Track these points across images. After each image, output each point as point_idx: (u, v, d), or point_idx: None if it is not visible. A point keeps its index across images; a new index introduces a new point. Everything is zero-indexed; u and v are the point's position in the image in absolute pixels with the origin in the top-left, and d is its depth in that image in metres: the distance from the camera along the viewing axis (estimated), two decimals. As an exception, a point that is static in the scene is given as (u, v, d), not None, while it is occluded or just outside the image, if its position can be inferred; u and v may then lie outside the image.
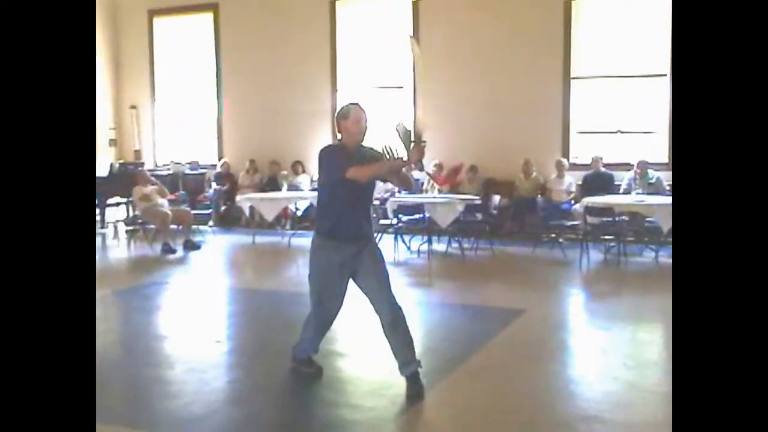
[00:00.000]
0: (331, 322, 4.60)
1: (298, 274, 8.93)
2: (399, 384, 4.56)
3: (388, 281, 4.45)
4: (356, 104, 4.38)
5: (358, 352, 5.33)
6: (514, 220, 10.41)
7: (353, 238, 4.32)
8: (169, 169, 12.57)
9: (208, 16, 12.72)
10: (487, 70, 10.96)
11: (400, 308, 4.39)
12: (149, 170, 11.71)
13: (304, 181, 11.80)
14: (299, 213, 11.06)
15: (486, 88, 10.94)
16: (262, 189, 11.80)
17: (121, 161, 12.83)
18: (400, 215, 9.22)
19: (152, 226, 10.04)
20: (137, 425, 3.94)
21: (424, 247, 9.28)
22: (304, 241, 10.41)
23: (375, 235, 4.86)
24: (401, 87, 11.45)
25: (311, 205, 10.75)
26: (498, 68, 10.87)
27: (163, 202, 10.02)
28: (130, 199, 10.63)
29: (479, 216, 9.55)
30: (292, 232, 10.79)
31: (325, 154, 4.44)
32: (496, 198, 10.06)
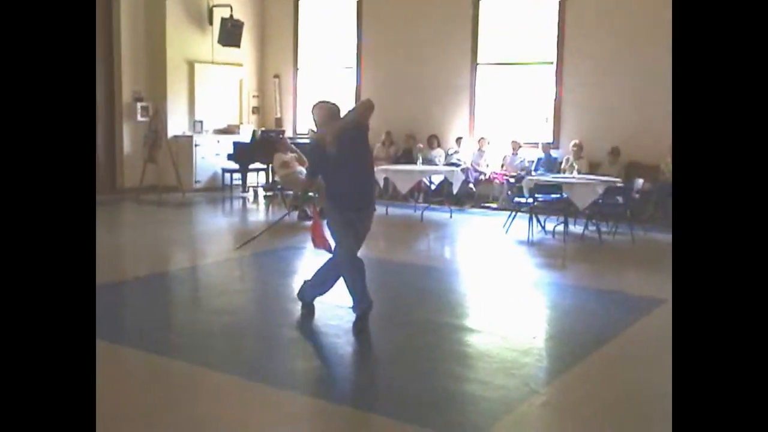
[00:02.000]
0: None
1: (430, 247, 8.95)
2: (531, 364, 4.48)
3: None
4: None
5: (486, 327, 5.27)
6: (657, 205, 9.94)
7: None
8: (308, 138, 12.87)
9: (352, -13, 12.85)
10: (632, 49, 10.45)
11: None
12: (289, 138, 12.05)
13: (438, 155, 11.77)
14: (433, 187, 11.04)
15: (630, 68, 10.43)
16: (397, 161, 11.87)
17: (263, 128, 13.27)
18: (536, 194, 9.01)
19: (290, 193, 10.33)
20: (272, 383, 4.07)
21: (560, 228, 9.03)
22: (437, 215, 10.44)
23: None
24: (550, 62, 11.14)
25: (445, 179, 10.72)
26: (644, 49, 10.33)
27: (302, 170, 10.27)
28: (270, 165, 10.98)
29: (620, 199, 9.17)
30: (425, 205, 10.81)
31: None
32: (639, 181, 9.61)
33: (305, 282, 5.34)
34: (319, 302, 5.87)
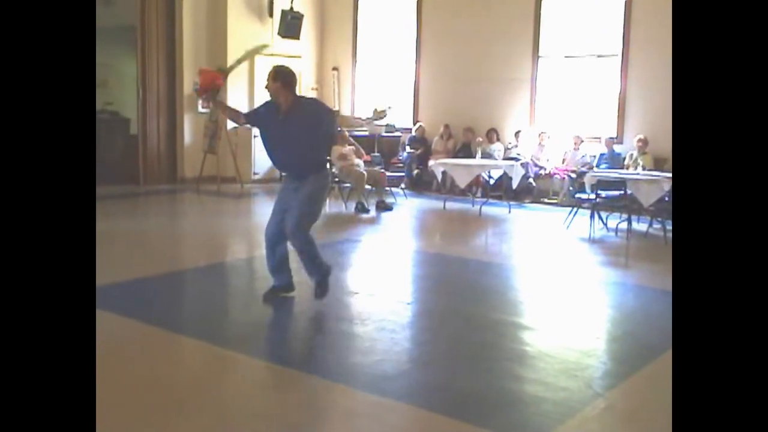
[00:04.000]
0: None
1: (488, 242, 8.82)
2: (594, 366, 4.35)
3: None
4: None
5: (546, 326, 5.13)
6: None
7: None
8: (365, 131, 12.84)
9: (412, -21, 12.75)
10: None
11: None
12: (347, 130, 12.03)
13: (498, 149, 11.59)
14: (492, 181, 10.89)
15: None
16: (456, 155, 11.74)
17: (321, 121, 13.27)
18: (598, 190, 8.78)
19: (347, 185, 10.32)
20: (328, 376, 4.03)
21: (623, 225, 8.79)
22: (495, 210, 10.29)
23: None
24: (615, 55, 10.85)
25: (504, 174, 10.55)
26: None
27: (360, 163, 10.25)
28: (328, 157, 10.98)
29: (686, 197, 8.86)
30: (483, 200, 10.66)
31: None
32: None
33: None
34: (376, 296, 5.82)
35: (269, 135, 5.18)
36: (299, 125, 4.98)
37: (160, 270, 6.44)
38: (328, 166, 5.28)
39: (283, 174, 5.43)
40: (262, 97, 10.16)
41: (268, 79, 5.07)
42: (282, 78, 5.01)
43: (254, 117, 5.38)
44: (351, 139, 10.66)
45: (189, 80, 12.11)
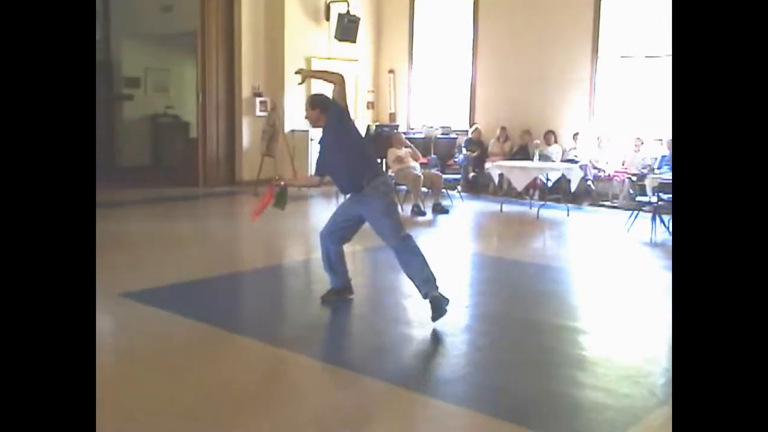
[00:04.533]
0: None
1: (546, 246, 8.70)
2: (657, 373, 4.24)
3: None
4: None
5: (607, 331, 5.03)
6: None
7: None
8: (421, 133, 12.83)
9: (469, -19, 12.68)
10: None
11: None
12: (403, 133, 12.03)
13: (556, 151, 11.44)
14: (549, 184, 10.74)
15: None
16: (512, 157, 11.63)
17: (377, 123, 13.32)
18: (660, 193, 8.57)
19: (404, 188, 10.31)
20: (385, 378, 4.02)
21: (686, 229, 8.55)
22: (554, 213, 10.14)
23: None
24: (669, 55, 10.59)
25: (562, 176, 10.40)
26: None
27: (416, 165, 10.23)
28: (384, 160, 10.99)
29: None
30: (541, 203, 10.53)
31: None
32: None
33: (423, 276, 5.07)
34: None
35: (326, 161, 5.17)
36: (332, 139, 4.99)
37: (219, 271, 6.54)
38: (380, 173, 5.13)
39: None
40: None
41: (306, 109, 5.14)
42: (320, 105, 5.04)
43: (320, 166, 5.28)
44: (407, 141, 10.65)
45: (247, 84, 12.29)
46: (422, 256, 4.98)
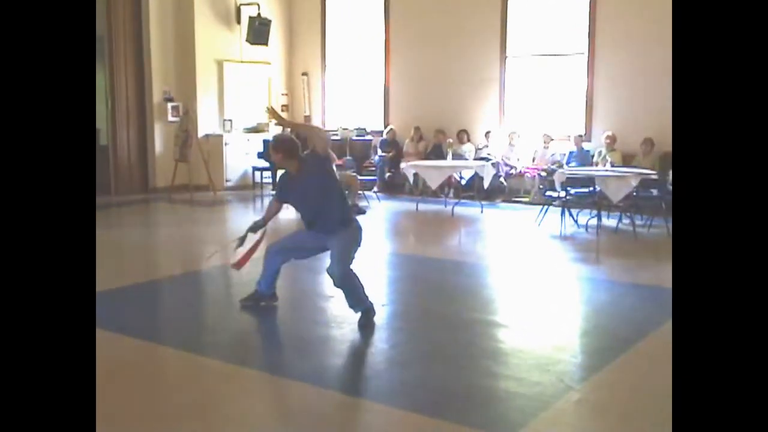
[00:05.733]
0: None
1: (461, 242, 8.90)
2: (566, 360, 4.43)
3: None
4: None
5: (520, 323, 5.22)
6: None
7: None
8: (337, 135, 12.89)
9: (379, -16, 12.82)
10: (665, 38, 10.27)
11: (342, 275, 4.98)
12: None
13: (468, 150, 11.70)
14: (463, 182, 10.98)
15: (663, 58, 10.26)
16: (427, 157, 11.83)
17: (293, 126, 13.29)
18: (568, 188, 8.91)
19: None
20: (307, 380, 4.07)
21: (593, 222, 8.93)
22: (468, 210, 10.38)
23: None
24: (581, 53, 10.99)
25: (476, 174, 10.65)
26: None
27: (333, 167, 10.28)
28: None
29: (654, 192, 9.03)
30: (456, 200, 10.75)
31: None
32: (673, 173, 9.45)
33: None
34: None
35: (292, 200, 5.26)
36: (309, 182, 5.01)
37: (135, 279, 6.43)
38: (352, 221, 5.19)
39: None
40: (231, 102, 10.13)
41: (270, 152, 5.19)
42: (282, 148, 5.05)
43: (281, 195, 5.31)
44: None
45: (158, 89, 12.07)
46: (357, 289, 5.05)
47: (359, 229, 5.15)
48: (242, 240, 5.33)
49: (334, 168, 10.04)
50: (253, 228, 5.32)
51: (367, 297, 5.09)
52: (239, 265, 5.38)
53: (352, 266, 5.01)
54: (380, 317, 5.23)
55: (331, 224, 5.02)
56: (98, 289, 5.90)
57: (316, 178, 5.01)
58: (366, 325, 4.99)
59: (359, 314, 5.05)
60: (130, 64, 11.85)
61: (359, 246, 5.13)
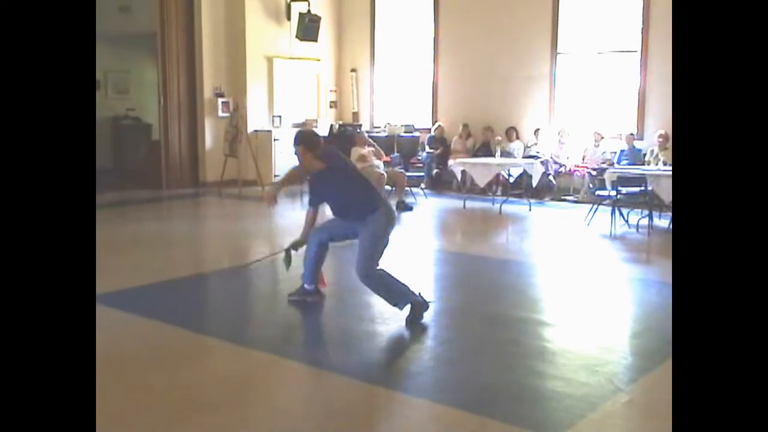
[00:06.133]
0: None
1: (508, 241, 8.83)
2: (615, 362, 4.36)
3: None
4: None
5: (567, 323, 5.15)
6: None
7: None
8: (384, 132, 12.90)
9: (429, -20, 12.79)
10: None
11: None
12: (366, 132, 12.09)
13: (517, 147, 11.60)
14: (511, 180, 10.89)
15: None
16: (475, 154, 11.76)
17: (341, 122, 13.36)
18: (619, 187, 8.76)
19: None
20: (352, 374, 4.08)
21: (644, 221, 8.76)
22: (515, 208, 10.29)
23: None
24: (634, 50, 10.79)
25: (524, 172, 10.55)
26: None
27: (379, 164, 10.29)
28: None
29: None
30: (504, 198, 10.67)
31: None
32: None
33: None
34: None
35: (325, 199, 5.30)
36: (332, 173, 5.08)
37: (184, 273, 6.53)
38: (381, 205, 5.15)
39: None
40: (281, 98, 10.16)
41: (294, 145, 5.18)
42: (303, 142, 5.12)
43: (314, 200, 5.36)
44: (370, 140, 10.71)
45: (209, 85, 12.24)
46: (391, 286, 5.03)
47: (390, 210, 5.18)
48: (289, 259, 5.43)
49: (382, 164, 10.15)
50: (295, 245, 5.41)
51: (410, 292, 5.04)
52: (323, 285, 5.56)
53: (380, 264, 5.03)
54: (427, 314, 5.22)
55: (362, 213, 5.03)
56: (149, 281, 6.06)
57: (339, 169, 5.11)
58: (413, 321, 4.96)
59: (407, 310, 5.02)
60: (182, 60, 12.04)
61: (392, 227, 5.14)
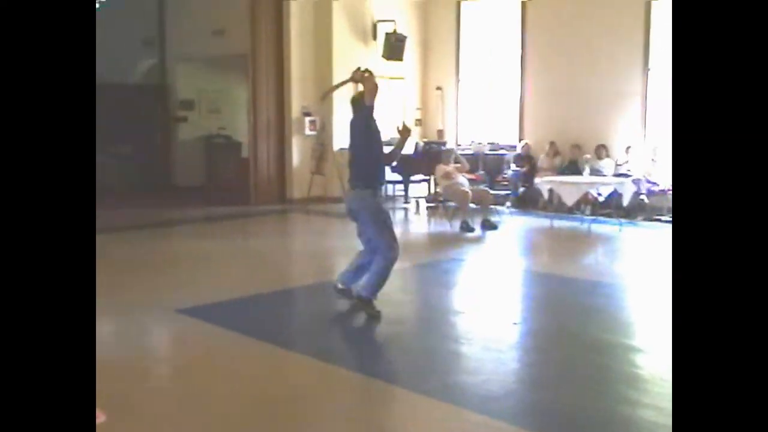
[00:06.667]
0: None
1: (598, 261, 8.58)
2: (713, 391, 4.14)
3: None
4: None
5: (660, 349, 4.93)
6: None
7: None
8: (470, 149, 12.82)
9: (516, -3, 12.69)
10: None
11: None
12: (454, 147, 12.02)
13: (607, 165, 11.29)
14: (601, 199, 10.60)
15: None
16: (562, 172, 11.52)
17: (426, 140, 13.36)
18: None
19: (452, 204, 10.30)
20: (435, 395, 4.02)
21: None
22: (605, 228, 10.00)
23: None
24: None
25: (615, 190, 10.26)
26: None
27: (464, 181, 10.23)
28: (433, 176, 11.02)
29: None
30: (593, 218, 10.40)
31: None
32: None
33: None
34: (482, 316, 5.77)
35: (350, 134, 6.01)
36: (354, 125, 5.76)
37: (270, 288, 6.62)
38: (374, 184, 5.65)
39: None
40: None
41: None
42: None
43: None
44: (459, 156, 10.69)
45: (296, 104, 12.47)
46: (385, 270, 5.44)
47: (373, 197, 5.53)
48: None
49: (467, 182, 10.07)
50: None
51: (376, 290, 5.43)
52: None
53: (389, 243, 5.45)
54: (512, 335, 5.11)
55: (358, 175, 5.57)
56: (237, 295, 6.18)
57: (358, 122, 5.67)
58: (354, 312, 5.47)
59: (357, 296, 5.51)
60: (271, 80, 12.32)
61: (382, 202, 5.71)
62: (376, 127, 5.70)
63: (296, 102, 12.46)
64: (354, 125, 5.74)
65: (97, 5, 21.18)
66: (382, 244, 5.45)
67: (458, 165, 10.37)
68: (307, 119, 12.50)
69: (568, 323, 5.56)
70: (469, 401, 3.98)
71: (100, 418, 2.02)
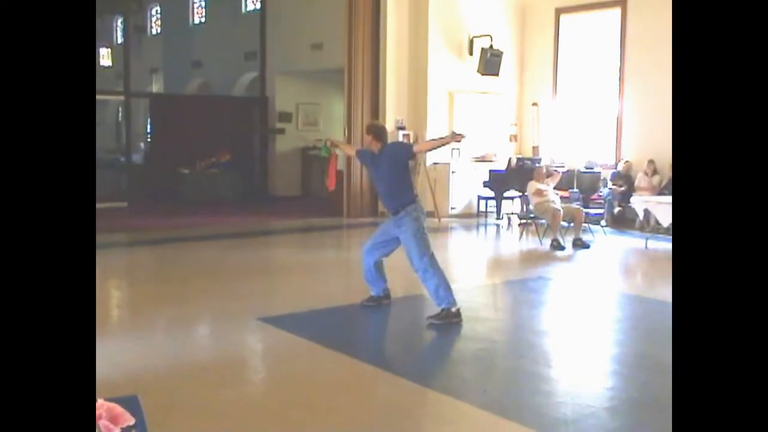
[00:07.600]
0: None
1: (693, 285, 8.26)
2: None
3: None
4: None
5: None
6: None
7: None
8: (564, 167, 12.62)
9: (615, 12, 12.42)
10: None
11: None
12: (547, 166, 11.87)
13: (708, 186, 10.87)
14: (699, 220, 10.21)
15: None
16: (661, 192, 11.16)
17: (519, 156, 13.24)
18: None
19: (543, 221, 10.17)
20: (509, 416, 3.99)
21: None
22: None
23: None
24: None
25: (714, 212, 9.86)
26: None
27: (556, 199, 10.08)
28: (525, 193, 10.92)
29: None
30: (690, 240, 10.02)
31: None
32: None
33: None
34: (565, 337, 5.68)
35: (369, 170, 6.49)
36: (385, 164, 5.96)
37: (355, 299, 6.72)
38: (414, 200, 5.96)
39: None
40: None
41: (365, 135, 6.39)
42: (373, 132, 6.13)
43: (361, 155, 6.50)
44: (552, 170, 10.56)
45: (391, 117, 12.63)
46: (438, 277, 5.79)
47: (417, 210, 5.86)
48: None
49: (559, 200, 9.94)
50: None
51: (450, 295, 5.72)
52: (332, 184, 6.90)
53: (430, 257, 5.83)
54: (593, 358, 5.01)
55: (392, 203, 5.93)
56: (320, 306, 6.32)
57: (391, 159, 5.94)
58: (436, 325, 5.63)
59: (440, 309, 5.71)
60: (367, 94, 12.53)
61: (425, 218, 5.99)
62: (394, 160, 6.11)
63: (390, 115, 12.62)
64: (384, 162, 6.01)
65: (203, 20, 22.04)
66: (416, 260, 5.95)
67: (551, 176, 10.26)
68: (401, 132, 12.62)
69: (655, 348, 5.39)
70: (540, 423, 3.92)
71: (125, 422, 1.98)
